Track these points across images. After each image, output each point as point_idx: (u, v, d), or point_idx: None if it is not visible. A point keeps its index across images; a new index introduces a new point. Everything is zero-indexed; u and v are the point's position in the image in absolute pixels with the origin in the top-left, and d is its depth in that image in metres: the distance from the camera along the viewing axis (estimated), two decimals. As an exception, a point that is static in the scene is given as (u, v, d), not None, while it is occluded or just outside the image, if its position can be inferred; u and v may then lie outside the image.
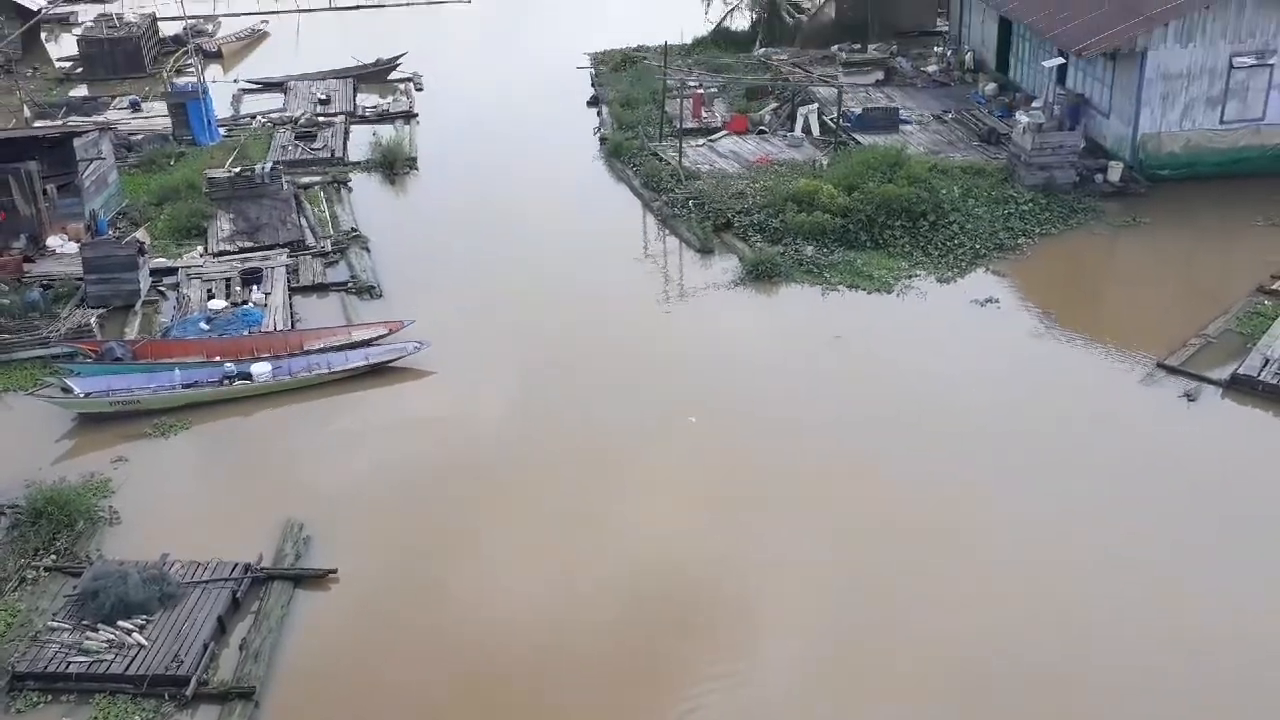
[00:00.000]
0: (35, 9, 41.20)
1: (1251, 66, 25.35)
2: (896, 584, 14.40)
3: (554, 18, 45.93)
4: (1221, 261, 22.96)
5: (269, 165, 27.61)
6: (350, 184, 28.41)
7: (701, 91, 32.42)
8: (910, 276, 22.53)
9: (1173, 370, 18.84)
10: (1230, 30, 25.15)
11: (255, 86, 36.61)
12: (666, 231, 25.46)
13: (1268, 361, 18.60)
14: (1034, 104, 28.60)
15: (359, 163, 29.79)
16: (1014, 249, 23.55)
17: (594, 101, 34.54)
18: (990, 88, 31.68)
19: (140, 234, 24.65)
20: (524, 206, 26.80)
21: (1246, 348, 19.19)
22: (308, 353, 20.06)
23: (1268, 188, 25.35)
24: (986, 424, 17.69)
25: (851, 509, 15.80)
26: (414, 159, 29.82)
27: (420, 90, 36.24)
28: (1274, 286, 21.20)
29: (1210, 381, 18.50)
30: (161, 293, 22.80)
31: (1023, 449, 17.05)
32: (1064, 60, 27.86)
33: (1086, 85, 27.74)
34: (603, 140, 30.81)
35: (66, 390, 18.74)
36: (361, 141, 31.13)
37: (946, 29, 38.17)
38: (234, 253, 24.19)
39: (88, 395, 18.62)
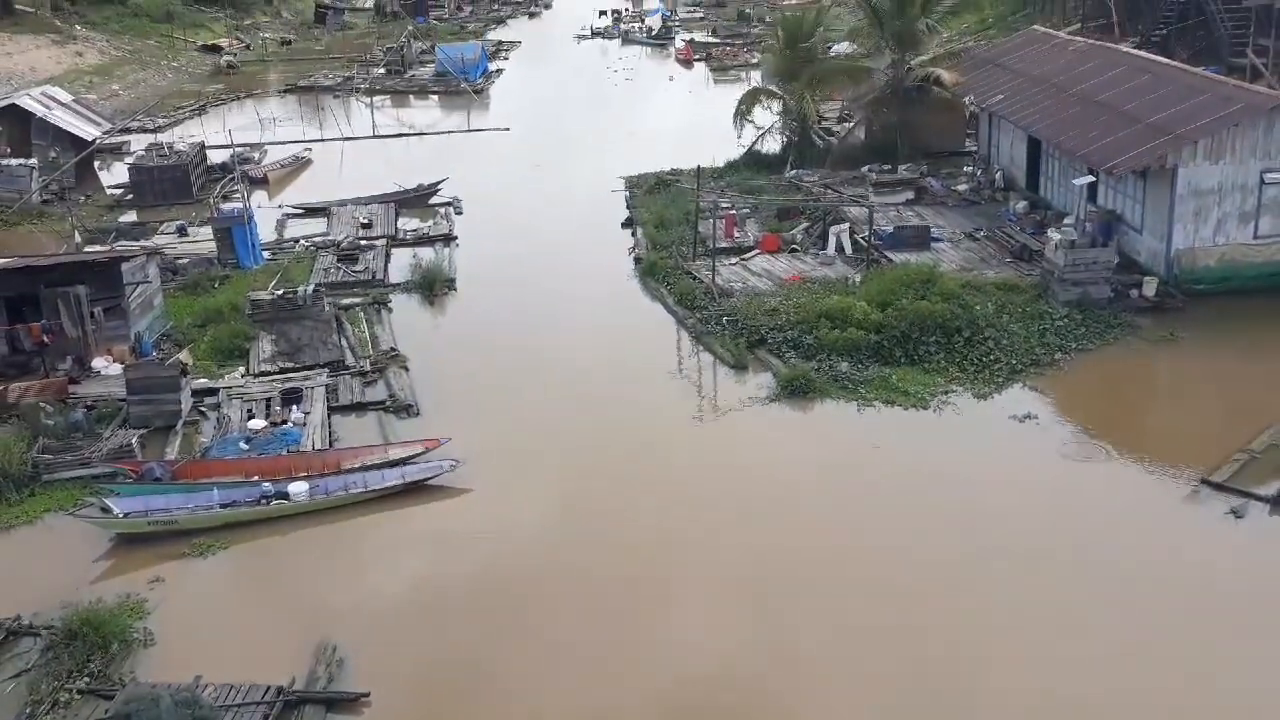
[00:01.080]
0: (89, 139, 42.70)
1: (1283, 182, 25.49)
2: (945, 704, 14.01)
3: (590, 143, 47.15)
4: (1263, 376, 22.69)
5: (311, 287, 28.15)
6: (390, 305, 28.91)
7: (734, 212, 32.93)
8: (947, 392, 22.44)
9: (1218, 487, 18.50)
10: (1260, 147, 25.37)
11: (299, 211, 37.58)
12: (700, 348, 25.60)
13: (1316, 477, 18.24)
14: (1066, 221, 28.80)
15: (399, 284, 30.34)
16: (1050, 365, 23.45)
17: (629, 223, 35.14)
18: (1021, 205, 31.96)
19: (183, 355, 25.10)
20: (560, 325, 27.14)
21: (1293, 463, 18.87)
22: (345, 471, 20.15)
23: (1305, 301, 25.25)
24: (1034, 543, 17.40)
25: (898, 630, 15.47)
26: (453, 280, 30.35)
27: (460, 214, 37.06)
28: (1318, 401, 20.94)
29: (1257, 498, 18.15)
30: (203, 413, 23.08)
31: (1073, 569, 16.72)
32: (1094, 178, 28.14)
33: (1118, 202, 27.94)
34: (637, 260, 31.26)
35: (105, 510, 18.86)
36: (402, 264, 31.76)
37: (975, 149, 38.72)
38: (274, 373, 24.53)
39: (126, 515, 18.73)
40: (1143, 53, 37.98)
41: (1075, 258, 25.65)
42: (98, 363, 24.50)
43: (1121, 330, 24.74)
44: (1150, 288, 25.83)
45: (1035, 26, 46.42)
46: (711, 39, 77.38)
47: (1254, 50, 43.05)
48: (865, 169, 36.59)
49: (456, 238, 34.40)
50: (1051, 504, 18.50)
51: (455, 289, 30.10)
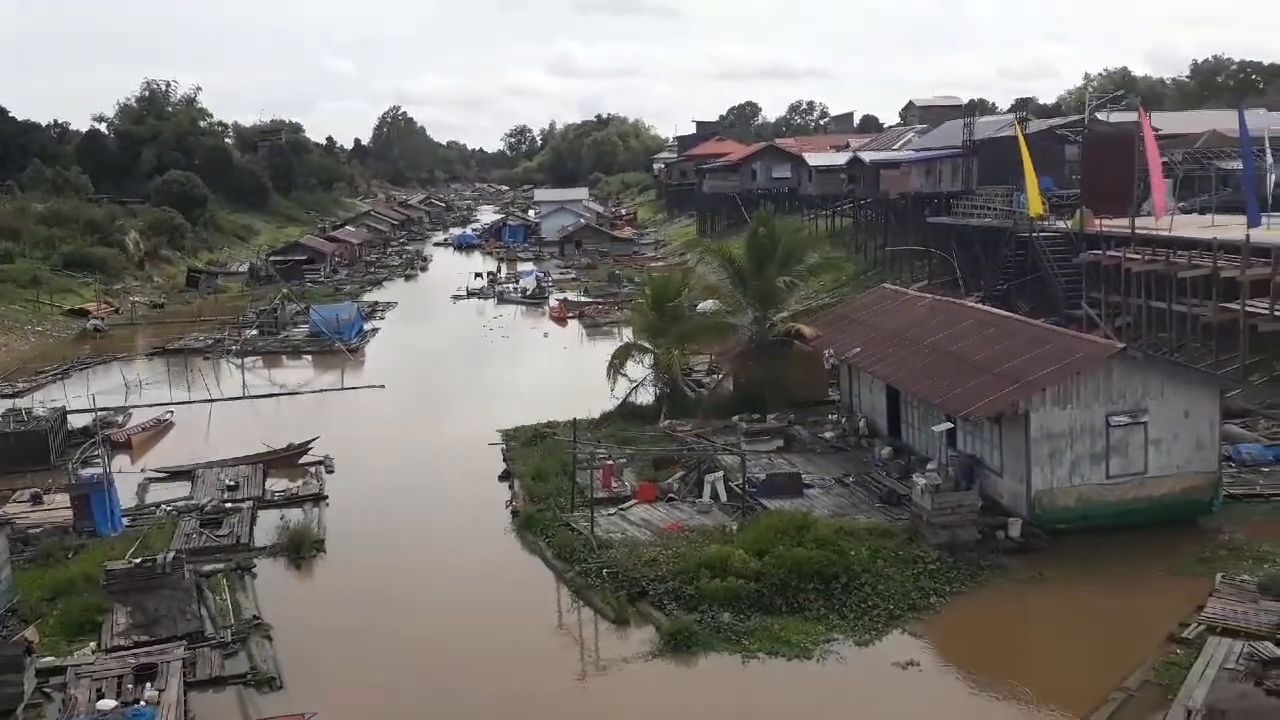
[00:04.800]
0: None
1: (1128, 425, 26.94)
2: None
3: (467, 398, 47.48)
4: (1129, 612, 23.24)
5: (170, 555, 26.94)
6: (255, 570, 27.78)
7: (611, 463, 33.18)
8: (829, 641, 22.30)
9: (1099, 727, 18.55)
10: (1102, 392, 26.92)
11: (162, 475, 36.44)
12: (580, 603, 25.10)
13: (1190, 713, 18.45)
14: (929, 466, 29.78)
15: (265, 548, 29.30)
16: (927, 608, 23.63)
17: (506, 476, 35.03)
18: (886, 451, 33.02)
19: (29, 632, 23.45)
20: (435, 584, 26.40)
21: (1168, 699, 19.08)
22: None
23: (1162, 537, 26.21)
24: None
25: None
26: (322, 541, 29.46)
27: (331, 472, 36.43)
28: (1184, 634, 21.44)
29: (1139, 737, 18.21)
30: (47, 694, 21.37)
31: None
32: (952, 424, 29.38)
33: (976, 446, 29.11)
34: (515, 513, 30.98)
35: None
36: (269, 526, 30.80)
37: (838, 398, 40.22)
38: (128, 648, 23.04)
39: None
40: (987, 306, 40.70)
41: (941, 501, 26.39)
42: (-69, 645, 22.67)
43: (992, 572, 25.22)
44: (1015, 529, 26.60)
45: (885, 284, 49.48)
46: (584, 298, 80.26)
47: (1087, 302, 46.52)
48: (736, 418, 37.54)
49: (327, 497, 33.65)
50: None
51: (325, 551, 29.17)
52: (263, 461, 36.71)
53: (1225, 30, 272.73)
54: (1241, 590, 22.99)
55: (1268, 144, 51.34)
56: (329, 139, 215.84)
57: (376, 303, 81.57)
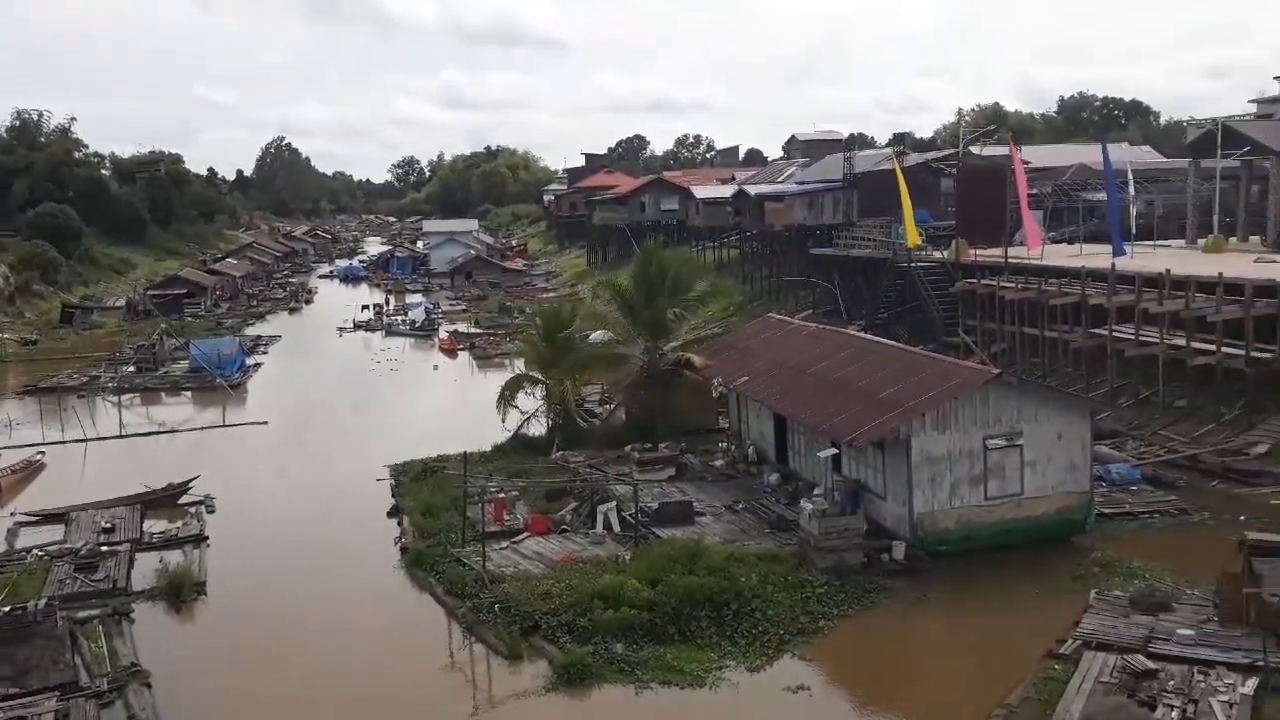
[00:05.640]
0: None
1: (1004, 448, 27.83)
2: None
3: (354, 433, 46.69)
4: (1009, 630, 23.91)
5: (43, 601, 25.89)
6: (133, 615, 26.80)
7: (503, 496, 32.97)
8: (721, 667, 22.46)
9: (983, 743, 19.03)
10: (979, 417, 27.75)
11: (33, 519, 34.94)
12: (472, 639, 24.82)
13: (1068, 726, 19.08)
14: (816, 491, 30.31)
15: (143, 592, 28.31)
16: (815, 632, 23.98)
17: (394, 512, 34.53)
18: (774, 477, 33.54)
19: (-115, 688, 22.22)
20: (321, 624, 25.83)
21: (1047, 714, 19.64)
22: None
23: (1039, 556, 27.08)
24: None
25: None
26: (203, 584, 28.58)
27: (212, 512, 35.41)
28: (1061, 650, 22.15)
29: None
30: (-96, 756, 20.33)
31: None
32: (837, 450, 29.99)
33: (860, 471, 29.74)
34: (404, 550, 30.53)
35: None
36: (148, 569, 29.76)
37: (728, 426, 40.71)
38: (-5, 702, 22.02)
39: None
40: (869, 335, 41.75)
41: (827, 526, 26.89)
42: None
43: (878, 594, 25.73)
44: (899, 551, 27.22)
45: (771, 314, 50.38)
46: (475, 330, 79.75)
47: (964, 329, 48.06)
48: (628, 448, 37.70)
49: (208, 538, 32.68)
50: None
51: (206, 593, 28.30)
52: (140, 502, 35.50)
53: (1087, 68, 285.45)
54: (1114, 605, 23.87)
55: (1130, 177, 54.02)
56: (210, 170, 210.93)
57: (259, 337, 79.84)
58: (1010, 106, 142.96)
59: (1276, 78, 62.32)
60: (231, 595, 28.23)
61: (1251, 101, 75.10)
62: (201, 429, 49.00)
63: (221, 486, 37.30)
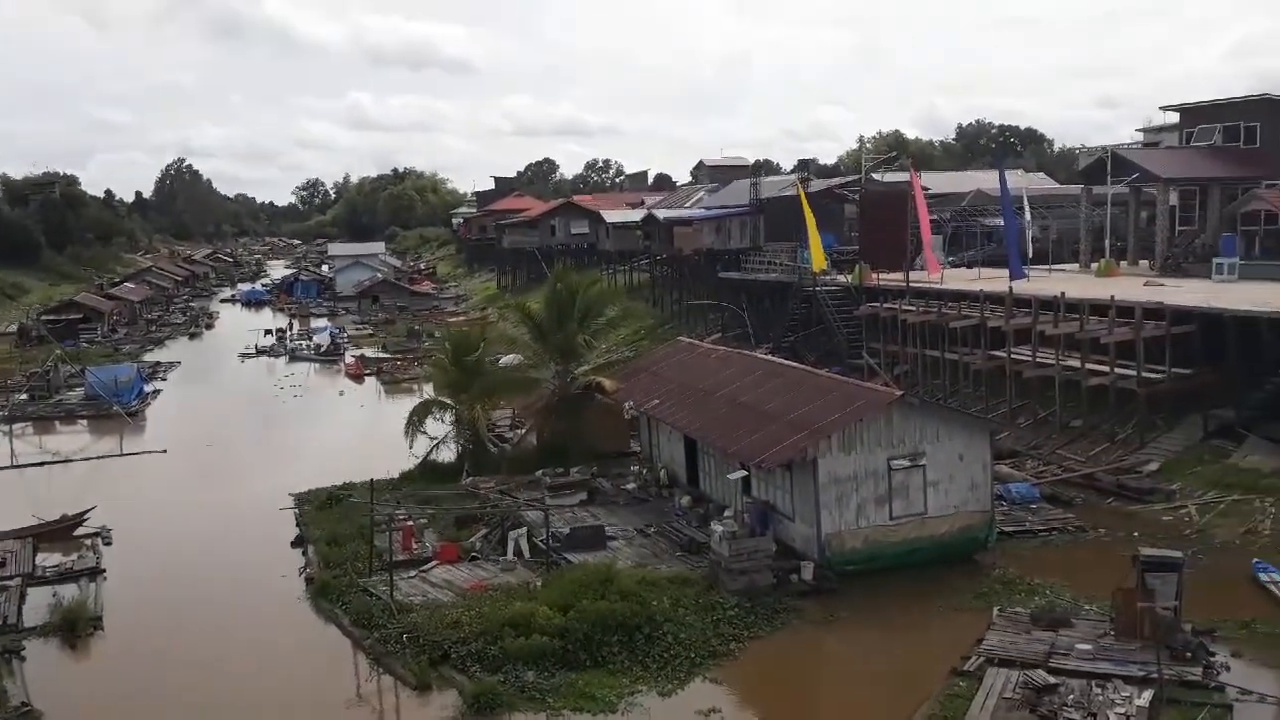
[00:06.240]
0: None
1: (908, 468, 28.38)
2: None
3: (257, 461, 45.71)
4: (916, 647, 24.31)
5: (-74, 641, 24.81)
6: (23, 653, 25.81)
7: (411, 523, 32.54)
8: (633, 693, 22.43)
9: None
10: (884, 438, 28.26)
11: (-85, 554, 33.48)
12: (380, 670, 24.41)
13: (970, 741, 19.45)
14: (726, 513, 30.53)
15: (35, 628, 27.27)
16: (727, 654, 24.09)
17: (299, 541, 33.84)
18: (685, 500, 33.68)
19: None
20: (223, 658, 25.14)
21: (951, 730, 20.08)
22: None
23: (943, 573, 27.63)
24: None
25: None
26: (99, 619, 27.66)
27: (109, 545, 34.32)
28: (965, 667, 22.59)
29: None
30: None
31: None
32: (747, 472, 30.24)
33: (770, 493, 30.03)
34: (309, 581, 29.93)
35: None
36: (40, 604, 28.68)
37: (639, 449, 40.79)
38: (-127, 747, 21.02)
39: None
40: (776, 358, 42.28)
41: (737, 548, 27.09)
42: None
43: (788, 615, 25.97)
44: (808, 572, 27.53)
45: (681, 337, 50.74)
46: (382, 354, 78.75)
47: (868, 352, 48.94)
48: (539, 473, 37.52)
49: (104, 571, 31.66)
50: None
51: (103, 629, 27.39)
52: (32, 535, 34.21)
53: (984, 96, 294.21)
54: (1016, 622, 24.43)
55: (1026, 202, 55.74)
56: (108, 192, 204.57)
57: (159, 363, 77.80)
58: (910, 134, 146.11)
59: (1162, 108, 64.79)
60: (129, 630, 27.37)
61: (1139, 130, 77.87)
62: (98, 458, 47.49)
63: (119, 518, 36.19)
